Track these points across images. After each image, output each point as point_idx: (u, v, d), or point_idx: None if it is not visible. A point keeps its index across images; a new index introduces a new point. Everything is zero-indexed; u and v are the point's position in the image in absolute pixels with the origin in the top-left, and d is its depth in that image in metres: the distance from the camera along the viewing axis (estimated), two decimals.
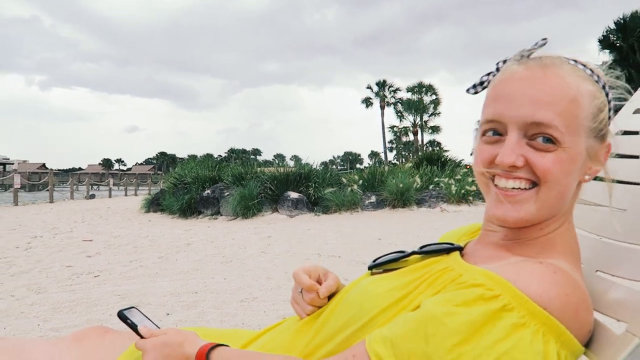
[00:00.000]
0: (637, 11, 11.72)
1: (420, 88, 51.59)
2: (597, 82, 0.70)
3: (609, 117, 0.72)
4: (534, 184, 0.68)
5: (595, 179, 0.80)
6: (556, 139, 0.65)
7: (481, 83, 0.75)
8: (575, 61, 0.70)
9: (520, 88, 0.67)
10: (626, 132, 1.10)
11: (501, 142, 0.69)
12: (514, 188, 0.68)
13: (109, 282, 3.93)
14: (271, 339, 0.85)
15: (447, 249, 0.78)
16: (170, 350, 0.76)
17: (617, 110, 0.76)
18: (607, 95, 0.71)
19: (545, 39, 0.72)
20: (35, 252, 5.51)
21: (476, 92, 0.76)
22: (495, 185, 0.70)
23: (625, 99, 0.75)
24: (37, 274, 4.30)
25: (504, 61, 0.74)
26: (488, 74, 0.75)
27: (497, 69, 0.74)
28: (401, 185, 10.14)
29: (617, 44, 11.48)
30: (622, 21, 11.68)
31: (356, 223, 8.29)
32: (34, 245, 6.05)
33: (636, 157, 1.00)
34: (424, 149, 51.06)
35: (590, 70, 0.70)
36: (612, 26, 11.81)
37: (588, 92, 0.68)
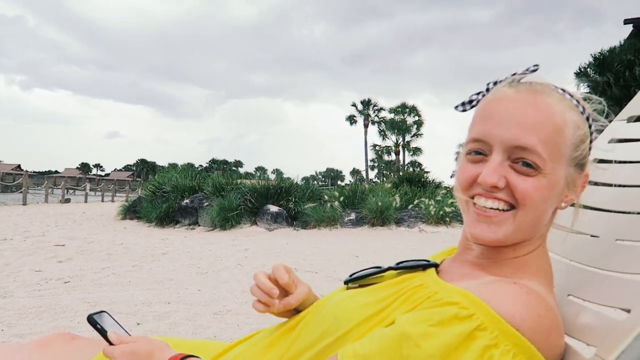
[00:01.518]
0: (615, 47, 12.14)
1: (404, 109, 52.26)
2: (582, 113, 0.72)
3: (590, 148, 0.74)
4: (512, 206, 0.69)
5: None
6: (537, 165, 0.67)
7: (470, 102, 0.77)
8: (564, 90, 0.72)
9: (509, 111, 0.69)
10: (601, 161, 1.13)
11: (485, 161, 0.70)
12: (492, 208, 0.69)
13: (79, 289, 3.83)
14: (243, 351, 0.84)
15: (423, 266, 0.78)
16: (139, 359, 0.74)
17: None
18: (590, 127, 0.73)
19: (537, 65, 0.74)
20: (4, 255, 5.33)
21: (464, 110, 0.77)
22: (474, 204, 0.71)
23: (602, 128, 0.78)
24: (4, 277, 4.16)
25: (495, 82, 0.75)
26: (478, 94, 0.76)
27: (487, 90, 0.75)
28: (381, 204, 10.18)
29: (595, 78, 11.83)
30: (600, 56, 12.06)
31: (335, 239, 8.27)
32: (2, 248, 5.86)
33: (610, 185, 1.03)
34: (405, 169, 51.53)
35: (577, 101, 0.72)
36: (591, 60, 12.19)
37: (573, 122, 0.69)
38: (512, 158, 0.68)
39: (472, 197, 0.72)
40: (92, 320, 0.81)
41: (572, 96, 0.72)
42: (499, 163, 0.68)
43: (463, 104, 0.78)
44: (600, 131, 0.77)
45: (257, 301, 0.83)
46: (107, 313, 0.84)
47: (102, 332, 0.79)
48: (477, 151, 0.71)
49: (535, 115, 0.67)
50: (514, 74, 0.74)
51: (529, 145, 0.66)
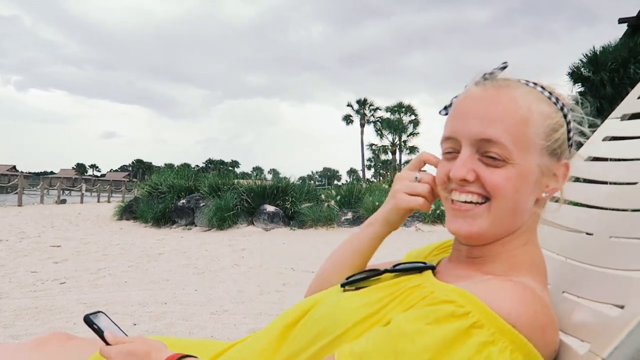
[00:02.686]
0: (609, 45, 12.19)
1: (400, 108, 52.36)
2: (555, 103, 0.73)
3: (569, 138, 0.75)
4: (486, 198, 0.70)
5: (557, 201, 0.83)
6: (504, 156, 0.68)
7: (451, 104, 0.79)
8: (535, 84, 0.74)
9: (473, 107, 0.71)
10: (596, 159, 1.14)
11: (457, 158, 0.72)
12: (466, 202, 0.71)
13: (75, 290, 3.82)
14: (240, 350, 0.84)
15: (420, 268, 0.79)
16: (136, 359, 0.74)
17: (584, 135, 0.79)
18: (565, 116, 0.74)
19: (505, 62, 0.76)
20: None
21: (447, 114, 0.79)
22: (452, 201, 0.73)
23: (590, 126, 0.78)
24: (0, 278, 4.15)
25: None
26: (456, 96, 0.78)
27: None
28: (378, 203, 10.20)
29: (588, 77, 11.87)
30: (593, 55, 12.10)
31: (331, 239, 8.27)
32: None
33: (604, 182, 1.04)
34: (402, 168, 51.51)
35: (549, 92, 0.73)
36: (584, 59, 12.23)
37: (540, 112, 0.71)
38: (481, 151, 0.70)
39: (450, 192, 0.74)
40: (88, 320, 0.80)
41: (544, 88, 0.73)
42: (468, 157, 0.70)
43: (445, 107, 0.80)
44: (579, 122, 0.78)
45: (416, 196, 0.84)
46: (104, 313, 0.84)
47: (99, 332, 0.79)
48: (451, 149, 0.74)
49: (497, 109, 0.70)
50: (484, 73, 0.76)
51: (493, 136, 0.68)
